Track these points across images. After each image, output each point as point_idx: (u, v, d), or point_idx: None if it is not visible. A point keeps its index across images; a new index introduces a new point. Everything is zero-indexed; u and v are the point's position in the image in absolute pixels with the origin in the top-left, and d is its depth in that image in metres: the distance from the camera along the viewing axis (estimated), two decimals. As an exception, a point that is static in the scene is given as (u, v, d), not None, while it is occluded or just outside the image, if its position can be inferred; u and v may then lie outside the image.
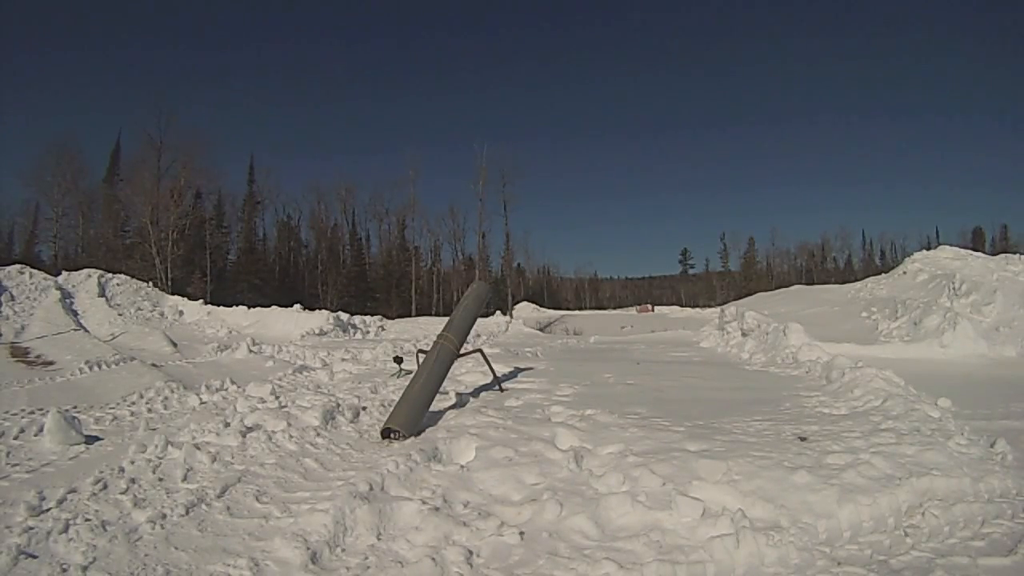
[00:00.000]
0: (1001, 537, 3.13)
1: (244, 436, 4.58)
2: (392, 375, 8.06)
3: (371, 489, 3.50)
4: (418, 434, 4.81)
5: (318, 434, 4.85)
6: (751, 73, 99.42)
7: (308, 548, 2.87)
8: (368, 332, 18.07)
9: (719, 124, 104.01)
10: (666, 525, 3.14)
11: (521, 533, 3.12)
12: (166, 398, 6.53)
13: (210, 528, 3.16)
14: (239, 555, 2.85)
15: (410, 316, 32.49)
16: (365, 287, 47.21)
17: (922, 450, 3.90)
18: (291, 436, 4.70)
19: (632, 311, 48.59)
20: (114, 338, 12.37)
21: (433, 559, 2.84)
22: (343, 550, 2.98)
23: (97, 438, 4.78)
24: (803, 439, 4.26)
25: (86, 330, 12.94)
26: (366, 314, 22.71)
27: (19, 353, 10.12)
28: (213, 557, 2.84)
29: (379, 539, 3.09)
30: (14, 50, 57.81)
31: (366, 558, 2.90)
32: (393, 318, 25.94)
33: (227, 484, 3.70)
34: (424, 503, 3.38)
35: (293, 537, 2.95)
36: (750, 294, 32.37)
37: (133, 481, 3.67)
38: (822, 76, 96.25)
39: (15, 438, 4.64)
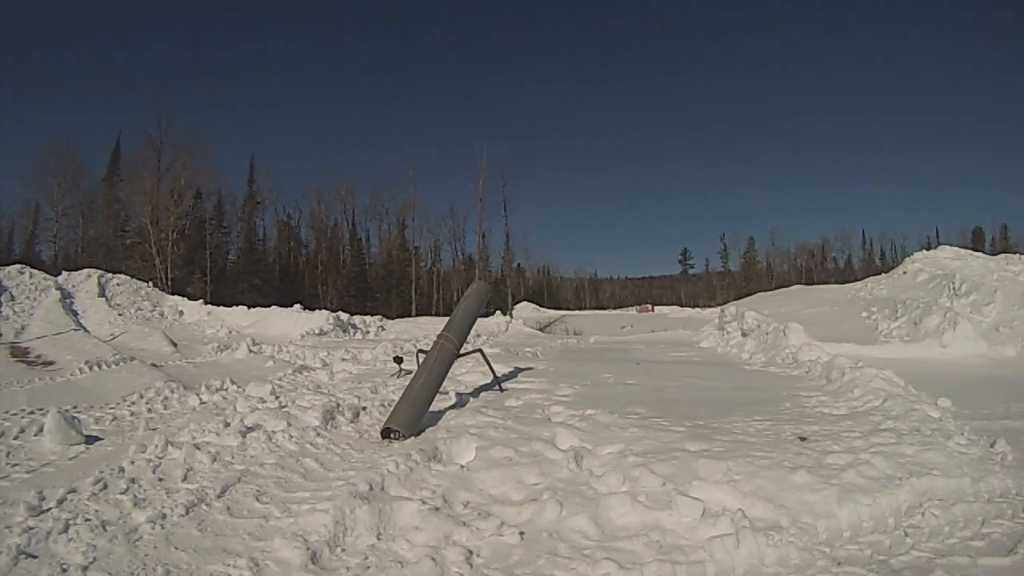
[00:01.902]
0: (1001, 537, 3.13)
1: (244, 436, 4.59)
2: (392, 375, 8.06)
3: (371, 489, 3.50)
4: (418, 434, 4.81)
5: (318, 434, 4.85)
6: (751, 73, 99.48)
7: (308, 548, 2.87)
8: (368, 332, 18.06)
9: (719, 124, 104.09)
10: (666, 525, 3.14)
11: (521, 533, 3.12)
12: (166, 398, 6.53)
13: (210, 528, 3.16)
14: (239, 555, 2.85)
15: (410, 316, 32.48)
16: (365, 287, 47.20)
17: (922, 450, 3.90)
18: (291, 436, 4.70)
19: (632, 311, 48.59)
20: (114, 338, 12.36)
21: (433, 559, 2.84)
22: (343, 550, 2.98)
23: (97, 438, 4.78)
24: (803, 439, 4.26)
25: (86, 330, 12.93)
26: (366, 314, 22.70)
27: (19, 353, 10.12)
28: (213, 557, 2.84)
29: (379, 539, 3.09)
30: (14, 50, 57.79)
31: (366, 558, 2.90)
32: (393, 318, 25.93)
33: (227, 484, 3.70)
34: (424, 503, 3.38)
35: (293, 537, 2.95)
36: (750, 294, 32.36)
37: (133, 481, 3.67)
38: (822, 76, 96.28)
39: (15, 438, 4.64)
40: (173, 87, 73.03)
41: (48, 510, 3.19)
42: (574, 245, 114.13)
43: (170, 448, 4.24)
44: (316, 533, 3.00)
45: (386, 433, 4.85)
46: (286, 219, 49.74)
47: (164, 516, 3.21)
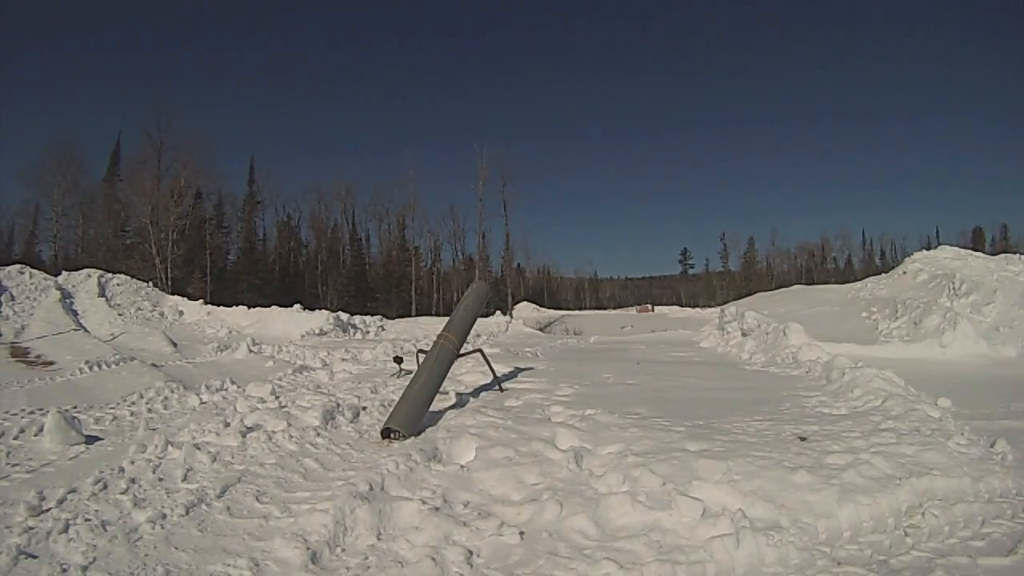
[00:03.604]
0: (1001, 537, 3.13)
1: (244, 436, 4.59)
2: (392, 375, 8.06)
3: (371, 489, 3.50)
4: (418, 434, 4.81)
5: (318, 434, 4.85)
6: (752, 73, 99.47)
7: (308, 548, 2.87)
8: (368, 332, 18.05)
9: (719, 124, 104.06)
10: (666, 525, 3.14)
11: (521, 533, 3.12)
12: (166, 398, 6.53)
13: (210, 528, 3.16)
14: (239, 555, 2.85)
15: (410, 316, 32.46)
16: (365, 287, 47.18)
17: (922, 450, 3.90)
18: (291, 436, 4.70)
19: (632, 311, 48.57)
20: (114, 338, 12.36)
21: (433, 559, 2.84)
22: (343, 550, 2.97)
23: (97, 438, 4.77)
24: (803, 439, 4.26)
25: (86, 330, 12.93)
26: (366, 314, 22.67)
27: (19, 353, 10.11)
28: (213, 557, 2.84)
29: (379, 539, 3.09)
30: (14, 50, 57.79)
31: (366, 558, 2.90)
32: (393, 318, 25.91)
33: (227, 484, 3.70)
34: (424, 503, 3.38)
35: (293, 537, 2.95)
36: (750, 294, 32.40)
37: (133, 481, 3.67)
38: (822, 76, 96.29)
39: (15, 438, 4.63)
40: (173, 87, 73.06)
41: (48, 510, 3.19)
42: (574, 245, 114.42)
43: (170, 448, 4.24)
44: (316, 533, 3.00)
45: (386, 433, 4.85)
46: (286, 219, 49.74)
47: (164, 516, 3.21)
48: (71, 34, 68.93)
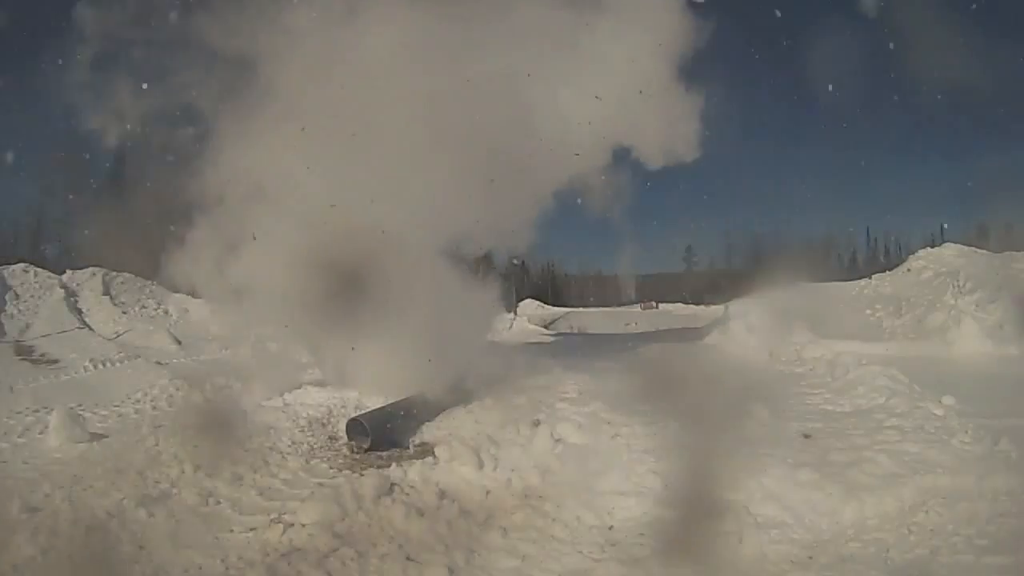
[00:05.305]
0: (1005, 535, 3.11)
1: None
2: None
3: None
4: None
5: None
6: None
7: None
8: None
9: (721, 119, 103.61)
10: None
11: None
12: (171, 396, 6.54)
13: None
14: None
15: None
16: (368, 285, 47.20)
17: (926, 448, 3.90)
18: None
19: (636, 308, 48.44)
20: (119, 336, 12.40)
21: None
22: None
23: (103, 436, 4.79)
24: (807, 436, 4.26)
25: (91, 328, 12.97)
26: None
27: (23, 351, 10.16)
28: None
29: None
30: (16, 47, 57.98)
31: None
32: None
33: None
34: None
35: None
36: (755, 291, 32.18)
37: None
38: (826, 70, 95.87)
39: (20, 436, 4.65)
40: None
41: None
42: (578, 242, 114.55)
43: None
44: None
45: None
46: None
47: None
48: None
